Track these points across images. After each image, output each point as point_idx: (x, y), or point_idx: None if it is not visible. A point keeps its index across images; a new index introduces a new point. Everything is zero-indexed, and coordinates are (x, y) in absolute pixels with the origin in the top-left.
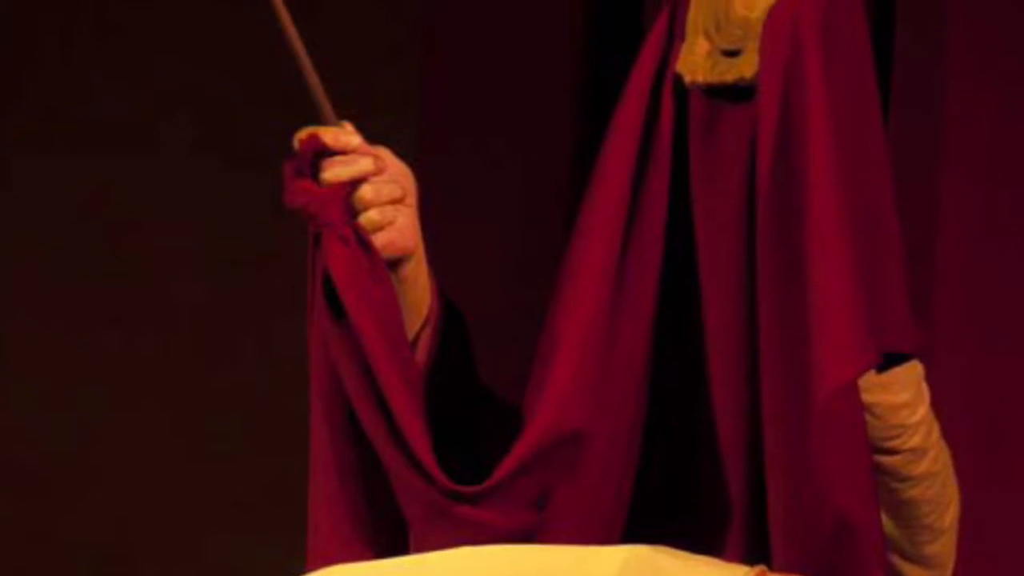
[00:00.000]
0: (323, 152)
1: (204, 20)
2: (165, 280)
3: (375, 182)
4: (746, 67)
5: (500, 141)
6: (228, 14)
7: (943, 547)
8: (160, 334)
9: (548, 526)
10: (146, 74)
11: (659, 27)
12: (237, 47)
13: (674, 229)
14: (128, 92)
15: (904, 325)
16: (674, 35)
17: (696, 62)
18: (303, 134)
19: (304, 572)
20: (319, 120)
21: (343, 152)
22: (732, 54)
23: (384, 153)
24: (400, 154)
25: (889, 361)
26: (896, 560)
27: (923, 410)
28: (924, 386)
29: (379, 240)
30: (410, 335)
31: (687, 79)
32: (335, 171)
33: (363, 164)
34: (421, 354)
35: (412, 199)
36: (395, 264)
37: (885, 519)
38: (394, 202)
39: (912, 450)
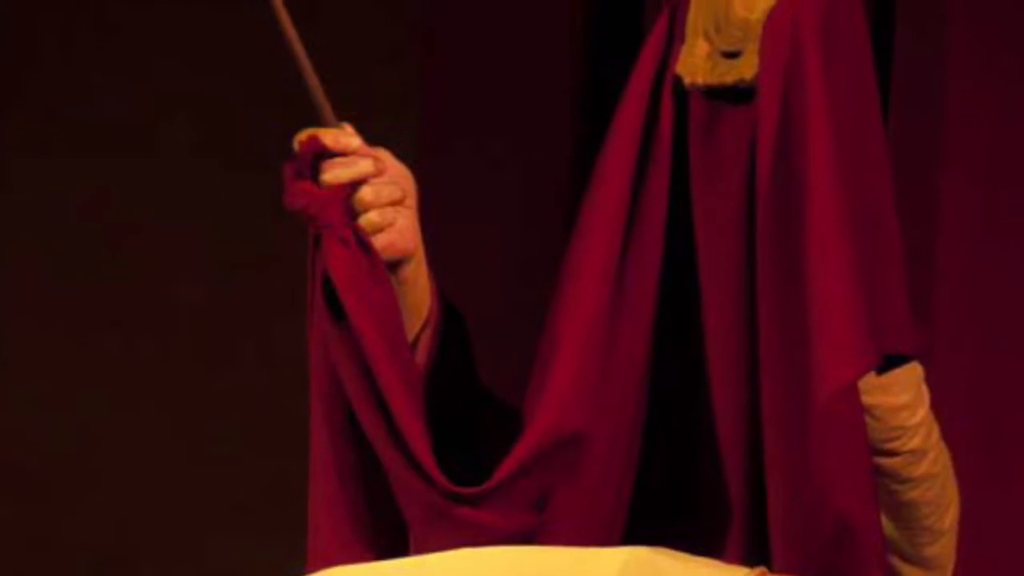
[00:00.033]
0: (323, 154)
1: (204, 22)
2: (165, 282)
3: (375, 184)
4: (746, 68)
5: (500, 143)
6: (228, 16)
7: (943, 548)
8: (160, 336)
9: (548, 528)
10: (146, 76)
11: (659, 29)
12: (237, 49)
13: (674, 230)
14: (128, 94)
15: (904, 327)
16: (674, 37)
17: (696, 64)
18: (303, 136)
19: (304, 574)
20: (319, 122)
21: (343, 154)
22: (732, 55)
23: (384, 155)
24: (400, 156)
25: (889, 363)
26: (896, 562)
27: (923, 412)
28: (924, 388)
29: (379, 242)
30: (410, 337)
31: (687, 81)
32: (335, 173)
33: (363, 166)
34: (421, 356)
35: (412, 201)
36: (395, 266)
37: (885, 521)
38: (394, 204)
39: (912, 452)
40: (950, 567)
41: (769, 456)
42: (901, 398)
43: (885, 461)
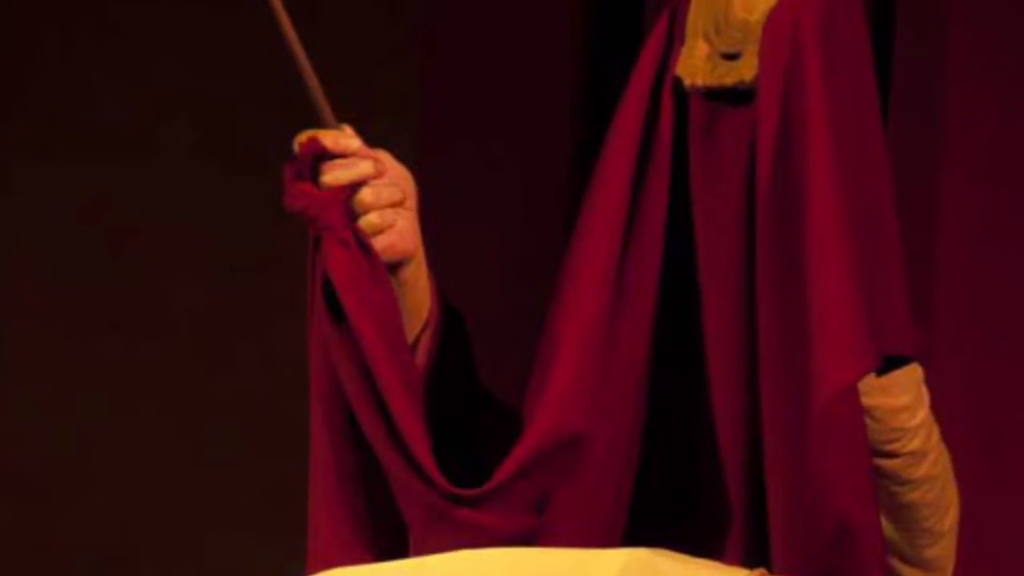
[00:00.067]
0: (323, 155)
1: (204, 23)
2: (165, 285)
3: (375, 185)
4: (746, 70)
5: (500, 144)
6: (228, 17)
7: (943, 550)
8: (160, 339)
9: (548, 529)
10: (146, 78)
11: (659, 30)
12: (237, 50)
13: (674, 232)
14: (128, 96)
15: (904, 328)
16: (674, 38)
17: (696, 65)
18: (303, 137)
19: (304, 575)
20: (319, 123)
21: (343, 155)
22: (732, 57)
23: (384, 156)
24: (400, 157)
25: (889, 364)
26: (896, 563)
27: (923, 413)
28: (924, 389)
29: (379, 243)
30: (410, 338)
31: (687, 82)
32: (335, 174)
33: (363, 167)
34: (421, 357)
35: (412, 202)
36: (395, 267)
37: (885, 522)
38: (394, 205)
39: (912, 453)
40: (950, 569)
41: (769, 457)
42: (901, 400)
43: (885, 463)
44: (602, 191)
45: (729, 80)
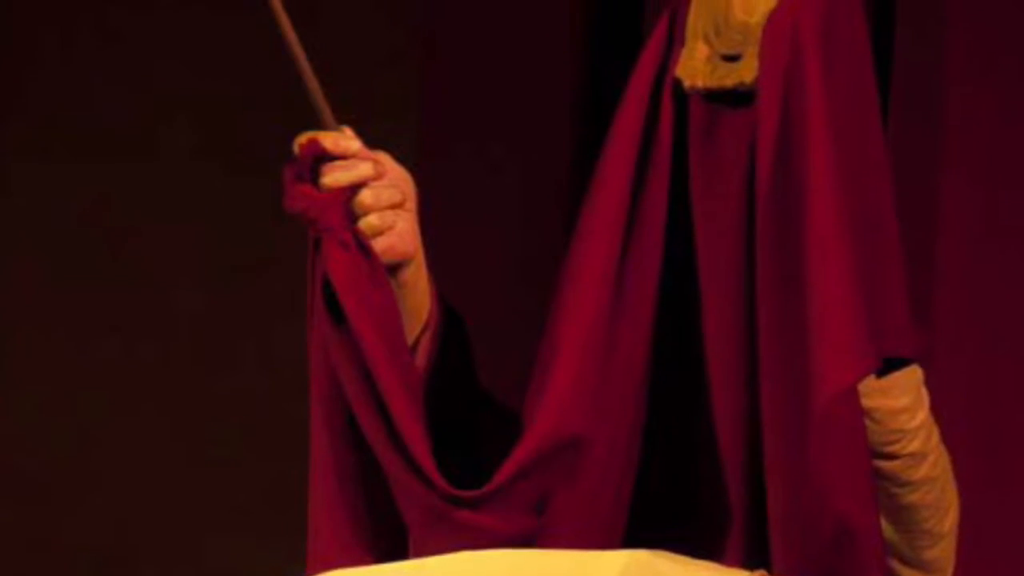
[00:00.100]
0: (323, 157)
1: (204, 25)
2: (165, 286)
3: (375, 187)
4: (746, 72)
5: (500, 146)
6: (228, 19)
7: (943, 552)
8: (160, 340)
9: (548, 531)
10: (146, 80)
11: (659, 32)
12: (237, 52)
13: (674, 233)
14: (128, 98)
15: (904, 329)
16: (674, 40)
17: (696, 67)
18: (303, 139)
19: None
20: (319, 125)
21: (343, 157)
22: (732, 59)
23: (384, 158)
24: (400, 159)
25: (889, 366)
26: (896, 565)
27: (923, 415)
28: (924, 391)
29: (379, 245)
30: (410, 340)
31: (687, 84)
32: (335, 176)
33: (363, 169)
34: (421, 359)
35: (412, 204)
36: (395, 269)
37: (885, 524)
38: (394, 207)
39: (912, 455)
40: (950, 570)
41: (769, 459)
42: (901, 401)
43: (885, 464)
44: (602, 193)
45: (729, 82)
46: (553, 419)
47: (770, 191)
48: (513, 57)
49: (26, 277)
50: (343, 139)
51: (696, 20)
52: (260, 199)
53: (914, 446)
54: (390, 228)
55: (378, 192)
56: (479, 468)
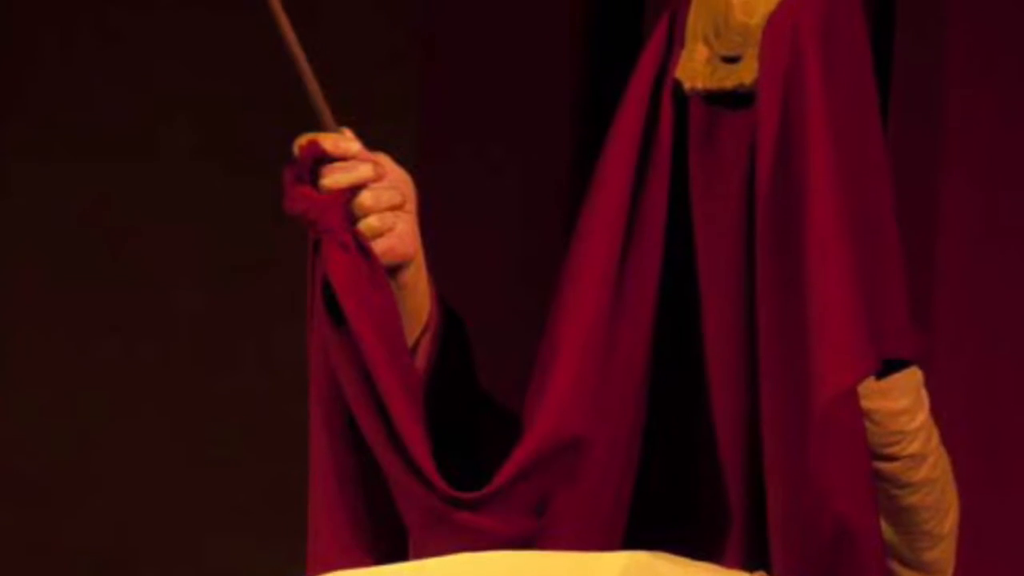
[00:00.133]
0: (323, 158)
1: (204, 26)
2: (165, 287)
3: (375, 188)
4: (745, 73)
5: (500, 147)
6: (228, 20)
7: (942, 553)
8: (160, 340)
9: (548, 532)
10: (146, 80)
11: (658, 33)
12: (237, 53)
13: (674, 235)
14: (128, 98)
15: (904, 331)
16: (673, 41)
17: (695, 68)
18: (303, 140)
19: None
20: (319, 126)
21: (343, 158)
22: (731, 60)
23: (384, 159)
24: (400, 160)
25: (888, 367)
26: (895, 566)
27: (922, 416)
28: (923, 392)
29: (379, 246)
30: (410, 341)
31: (686, 85)
32: (335, 177)
33: (363, 170)
34: (421, 360)
35: (412, 205)
36: (395, 270)
37: (884, 525)
38: (394, 208)
39: (911, 456)
40: (950, 571)
41: (768, 460)
42: (900, 402)
43: (884, 466)
44: (602, 194)
45: (729, 83)
46: (553, 420)
47: (770, 192)
48: (513, 58)
49: (26, 277)
50: (343, 141)
51: (696, 22)
52: (260, 200)
53: (914, 448)
54: (390, 230)
55: (378, 194)
56: (479, 469)
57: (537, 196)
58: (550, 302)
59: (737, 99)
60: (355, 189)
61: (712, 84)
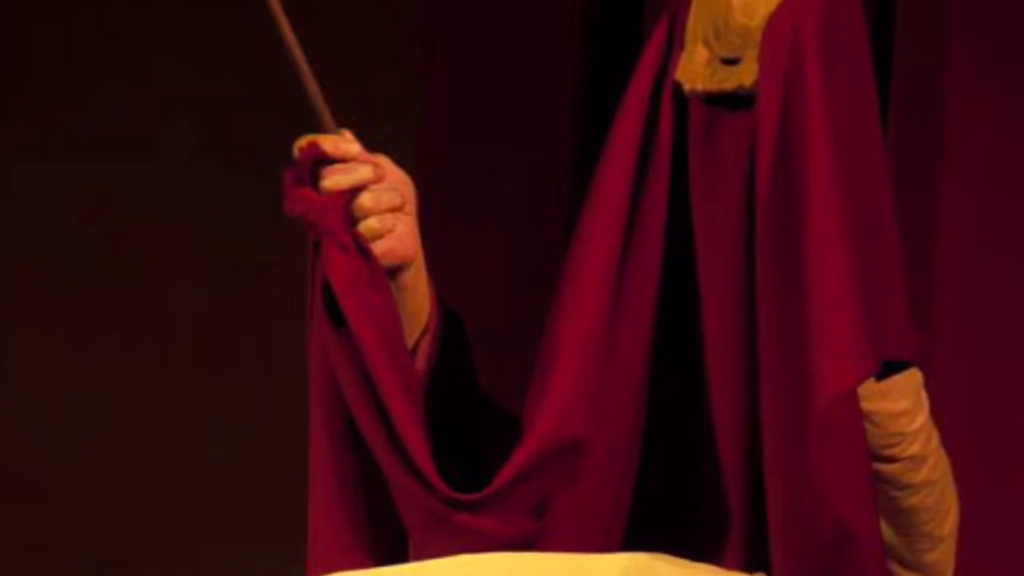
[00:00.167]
0: (323, 160)
1: (204, 27)
2: (165, 287)
3: (375, 190)
4: (745, 75)
5: (500, 149)
6: (228, 21)
7: (942, 555)
8: (160, 341)
9: (548, 534)
10: (146, 81)
11: (658, 35)
12: (237, 54)
13: (674, 236)
14: (128, 99)
15: (904, 333)
16: (673, 43)
17: (695, 70)
18: (303, 142)
19: None
20: (319, 128)
21: (343, 160)
22: (731, 62)
23: (384, 161)
24: (400, 162)
25: (888, 369)
26: (895, 568)
27: (922, 418)
28: (923, 394)
29: (379, 248)
30: (410, 343)
31: (686, 87)
32: (335, 179)
33: (363, 172)
34: (421, 362)
35: (412, 207)
36: (395, 272)
37: (884, 527)
38: (393, 210)
39: (911, 458)
40: (950, 573)
41: (768, 462)
42: (900, 404)
43: (884, 467)
44: (602, 196)
45: (729, 85)
46: (553, 422)
47: (770, 194)
48: (513, 60)
49: (26, 278)
50: (343, 142)
51: (696, 23)
52: (260, 201)
53: (914, 449)
54: (390, 231)
55: (378, 195)
56: (479, 471)
57: (537, 198)
58: (550, 303)
59: (737, 101)
60: (355, 191)
61: (712, 86)
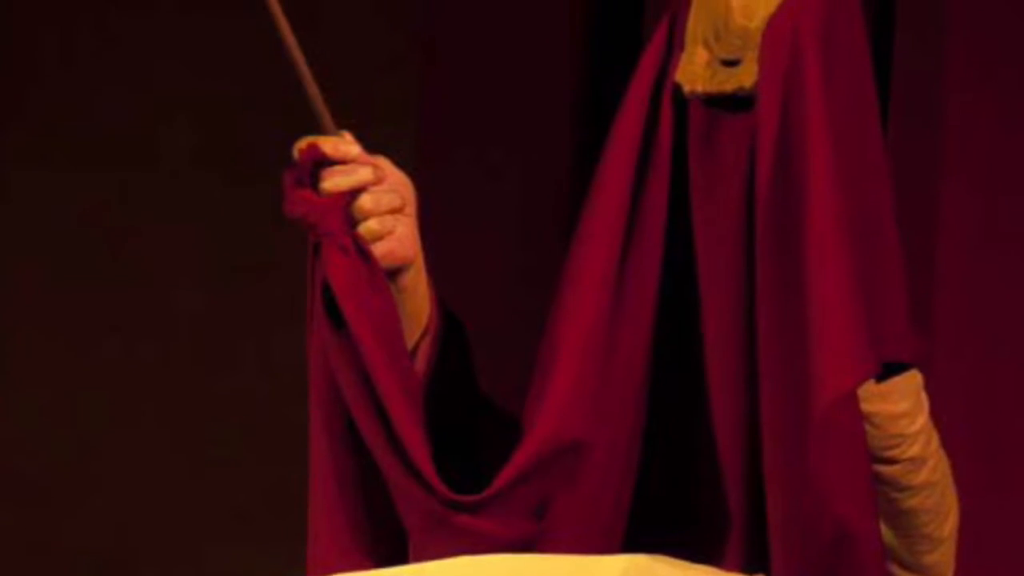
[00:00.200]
0: (323, 162)
1: (204, 29)
2: (165, 288)
3: (374, 192)
4: (745, 77)
5: (499, 151)
6: (228, 23)
7: (942, 556)
8: (160, 342)
9: (547, 535)
10: (146, 85)
11: (658, 37)
12: (237, 56)
13: (673, 238)
14: (128, 101)
15: (903, 334)
16: (673, 45)
17: (695, 72)
18: (303, 144)
19: None
20: (319, 130)
21: (343, 162)
22: (731, 64)
23: (384, 163)
24: (400, 164)
25: (888, 370)
26: (895, 569)
27: (922, 419)
28: (923, 395)
29: (378, 250)
30: (410, 344)
31: (686, 89)
32: (335, 181)
33: (362, 174)
34: (421, 363)
35: (411, 209)
36: (394, 274)
37: (884, 528)
38: (393, 212)
39: (911, 459)
40: (949, 574)
41: (768, 463)
42: (900, 406)
43: (884, 469)
44: (602, 197)
45: (729, 86)
46: (553, 423)
47: (770, 196)
48: (513, 62)
49: (26, 282)
50: (343, 144)
51: (696, 25)
52: (260, 203)
53: (914, 451)
54: (390, 233)
55: (378, 197)
56: (479, 473)
57: (537, 199)
58: (550, 304)
59: (737, 102)
60: (355, 192)
61: (712, 87)
